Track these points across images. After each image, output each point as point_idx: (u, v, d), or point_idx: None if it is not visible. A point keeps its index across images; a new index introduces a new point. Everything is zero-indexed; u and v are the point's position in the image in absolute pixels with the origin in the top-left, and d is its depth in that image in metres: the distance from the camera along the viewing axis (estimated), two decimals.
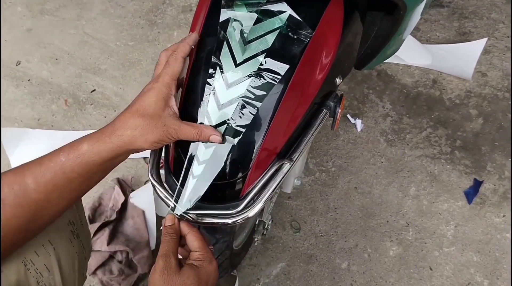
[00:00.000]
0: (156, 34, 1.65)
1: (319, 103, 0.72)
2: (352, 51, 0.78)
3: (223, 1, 0.65)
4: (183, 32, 1.65)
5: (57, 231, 0.67)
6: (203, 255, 0.61)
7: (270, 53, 0.62)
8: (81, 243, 0.74)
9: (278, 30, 0.62)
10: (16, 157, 1.37)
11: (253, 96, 0.61)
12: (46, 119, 1.48)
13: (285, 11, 0.63)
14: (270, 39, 0.62)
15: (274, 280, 1.22)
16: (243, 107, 0.61)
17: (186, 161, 0.63)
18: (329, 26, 0.65)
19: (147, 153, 1.30)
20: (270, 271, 1.23)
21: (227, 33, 0.63)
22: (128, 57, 1.60)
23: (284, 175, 0.65)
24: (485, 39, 1.57)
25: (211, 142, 0.60)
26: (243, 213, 0.63)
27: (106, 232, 1.17)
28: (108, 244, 1.16)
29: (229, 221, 0.63)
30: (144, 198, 1.26)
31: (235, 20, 0.64)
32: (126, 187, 1.30)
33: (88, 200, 1.29)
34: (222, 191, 0.66)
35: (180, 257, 0.63)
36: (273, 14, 0.63)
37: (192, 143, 0.63)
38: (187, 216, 0.64)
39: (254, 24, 0.63)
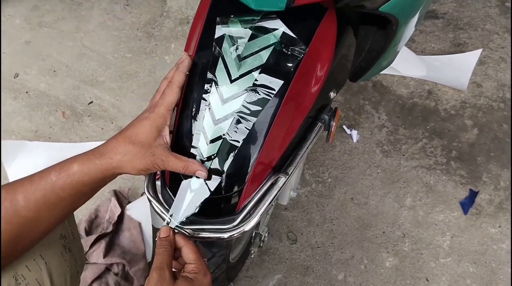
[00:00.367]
0: (153, 46, 1.67)
1: (314, 117, 0.73)
2: (346, 65, 0.79)
3: (218, 18, 0.66)
4: (180, 44, 1.66)
5: (49, 246, 0.67)
6: (197, 267, 0.61)
7: (264, 69, 0.62)
8: (73, 257, 0.74)
9: (273, 47, 0.63)
10: (13, 170, 1.37)
11: (248, 111, 0.62)
12: (44, 131, 1.48)
13: (278, 28, 0.64)
14: (265, 55, 0.63)
15: None
16: (238, 122, 0.62)
17: (185, 175, 0.64)
18: (323, 42, 0.66)
19: None
20: (267, 283, 1.23)
21: (222, 49, 0.64)
22: (125, 69, 1.61)
23: (280, 189, 0.66)
24: (480, 50, 1.59)
25: (197, 177, 0.62)
26: (239, 227, 0.63)
27: (102, 244, 1.17)
28: (105, 256, 1.16)
29: (225, 235, 0.64)
30: (140, 210, 1.26)
31: (230, 36, 0.65)
32: (122, 199, 1.30)
33: (84, 212, 1.29)
34: (218, 205, 0.66)
35: (174, 270, 0.63)
36: (267, 31, 0.64)
37: (189, 156, 0.63)
38: (183, 231, 0.64)
39: (248, 41, 0.64)
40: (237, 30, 0.65)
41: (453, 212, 1.31)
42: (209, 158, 0.63)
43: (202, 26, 0.67)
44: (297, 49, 0.64)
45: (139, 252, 1.21)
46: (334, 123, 0.73)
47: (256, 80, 0.62)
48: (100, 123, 1.50)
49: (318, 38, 0.65)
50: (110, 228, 1.21)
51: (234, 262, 1.05)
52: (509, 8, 1.74)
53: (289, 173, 0.66)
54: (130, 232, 1.23)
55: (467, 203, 1.31)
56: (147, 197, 0.67)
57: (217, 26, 0.66)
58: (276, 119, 0.62)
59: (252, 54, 0.63)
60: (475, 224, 1.29)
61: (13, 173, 1.36)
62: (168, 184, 0.69)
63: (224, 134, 0.62)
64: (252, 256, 1.20)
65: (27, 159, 1.38)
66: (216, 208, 0.66)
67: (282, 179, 0.66)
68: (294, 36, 0.64)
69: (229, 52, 0.64)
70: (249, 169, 0.63)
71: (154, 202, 0.66)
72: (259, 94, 0.62)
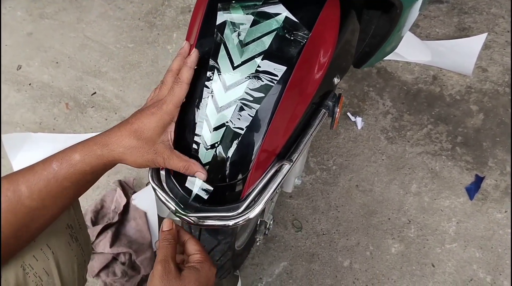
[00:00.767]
0: (155, 36, 1.66)
1: (318, 103, 0.72)
2: (350, 50, 0.78)
3: (219, 4, 0.65)
4: (182, 33, 1.65)
5: (55, 235, 0.68)
6: (203, 257, 0.61)
7: (267, 55, 0.62)
8: (80, 246, 0.75)
9: (275, 32, 0.63)
10: (18, 161, 1.37)
11: (251, 98, 0.61)
12: (48, 122, 1.48)
13: (281, 13, 0.63)
14: (267, 41, 0.62)
15: (276, 279, 1.22)
16: (241, 109, 0.61)
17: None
18: (326, 26, 0.65)
19: None
20: (272, 271, 1.23)
21: (224, 35, 0.63)
22: (128, 59, 1.61)
23: (284, 176, 0.65)
24: (485, 34, 1.57)
25: (195, 177, 0.63)
26: (244, 215, 0.63)
27: (108, 234, 1.18)
28: (111, 246, 1.17)
29: (230, 223, 0.64)
30: (146, 200, 1.27)
31: (231, 22, 0.64)
32: (128, 189, 1.30)
33: (90, 203, 1.29)
34: (222, 193, 0.66)
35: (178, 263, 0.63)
36: (269, 16, 0.63)
37: (192, 146, 0.63)
38: (188, 219, 0.64)
39: (250, 27, 0.63)
40: (238, 16, 0.64)
41: (459, 197, 1.31)
42: (213, 146, 0.62)
43: (204, 12, 0.66)
44: (300, 34, 0.63)
45: (145, 241, 1.22)
46: (338, 110, 0.73)
47: (258, 66, 0.62)
48: (104, 114, 1.50)
49: (321, 22, 0.64)
50: (116, 218, 1.22)
51: (239, 250, 1.06)
52: None
53: (293, 160, 0.66)
54: (136, 221, 1.24)
55: (473, 189, 1.31)
56: (152, 186, 0.67)
57: (218, 13, 0.65)
58: (280, 106, 0.62)
59: (254, 40, 0.62)
60: (481, 210, 1.29)
61: (18, 165, 1.37)
62: (173, 172, 0.69)
63: (227, 122, 0.62)
64: (258, 244, 1.21)
65: (32, 151, 1.39)
66: (220, 195, 0.66)
67: (286, 166, 0.65)
68: (296, 21, 0.63)
69: (231, 39, 0.63)
70: (253, 156, 0.63)
71: (159, 190, 0.66)
72: (262, 81, 0.61)
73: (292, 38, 0.63)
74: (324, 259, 1.25)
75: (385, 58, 1.50)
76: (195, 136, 0.63)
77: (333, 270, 1.23)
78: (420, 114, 1.45)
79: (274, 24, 0.63)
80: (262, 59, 0.62)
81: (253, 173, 0.64)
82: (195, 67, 0.63)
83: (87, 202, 1.32)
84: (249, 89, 0.61)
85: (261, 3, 0.64)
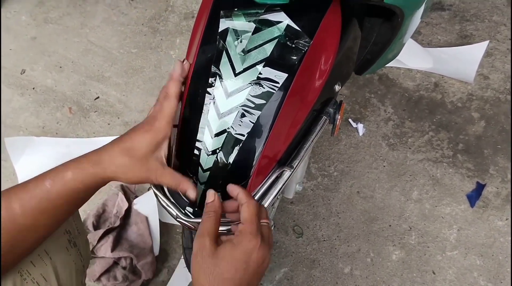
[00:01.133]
0: (159, 41, 1.67)
1: (319, 110, 0.73)
2: (351, 58, 0.79)
3: (222, 12, 0.66)
4: (185, 39, 1.66)
5: (53, 241, 0.68)
6: (245, 229, 0.55)
7: (269, 62, 0.62)
8: (78, 252, 0.75)
9: (277, 40, 0.63)
10: (21, 165, 1.38)
11: (252, 105, 0.62)
12: (51, 127, 1.49)
13: (283, 21, 0.64)
14: (269, 48, 0.63)
15: (277, 285, 1.22)
16: (242, 115, 0.62)
17: (191, 169, 0.65)
18: (327, 34, 0.65)
19: None
20: (273, 276, 1.23)
21: (226, 42, 0.64)
22: (131, 65, 1.62)
23: (285, 182, 0.66)
24: (486, 42, 1.57)
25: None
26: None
27: (110, 239, 1.18)
28: (112, 250, 1.17)
29: (232, 228, 0.64)
30: (147, 205, 1.27)
31: (234, 30, 0.64)
32: (129, 194, 1.31)
33: (92, 207, 1.30)
34: (223, 198, 0.66)
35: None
36: (271, 23, 0.64)
37: (194, 152, 0.64)
38: (189, 224, 0.64)
39: (252, 34, 0.64)
40: (241, 23, 0.65)
41: (460, 205, 1.31)
42: (214, 152, 0.63)
43: (206, 19, 0.67)
44: (301, 42, 0.63)
45: (146, 246, 1.22)
46: (339, 117, 0.73)
47: (260, 73, 0.62)
48: (107, 119, 1.51)
49: (323, 30, 0.65)
50: (118, 223, 1.22)
51: None
52: None
53: (294, 166, 0.66)
54: (138, 226, 1.24)
55: (474, 196, 1.31)
56: (153, 191, 0.67)
57: (221, 20, 0.66)
58: (281, 113, 0.62)
59: (256, 47, 0.63)
60: (482, 217, 1.29)
61: (20, 169, 1.38)
62: None
63: (228, 128, 0.62)
64: None
65: (35, 155, 1.40)
66: (222, 201, 0.66)
67: (287, 172, 0.66)
68: (298, 28, 0.64)
69: (233, 46, 0.64)
70: (254, 162, 0.63)
71: (160, 196, 0.67)
72: (264, 88, 0.62)
73: (293, 45, 0.63)
74: (324, 265, 1.25)
75: (386, 65, 1.51)
76: (196, 142, 0.64)
77: (334, 277, 1.23)
78: (422, 121, 1.45)
79: (276, 31, 0.64)
80: (263, 66, 0.62)
81: (254, 179, 0.64)
82: (182, 79, 0.63)
83: (89, 206, 1.32)
84: (251, 95, 0.62)
85: (263, 10, 0.65)
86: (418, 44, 1.58)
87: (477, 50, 1.57)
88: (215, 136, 0.63)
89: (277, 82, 0.62)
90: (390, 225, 1.29)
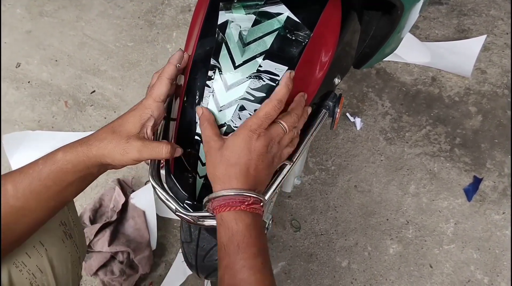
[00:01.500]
0: (155, 35, 1.66)
1: (318, 103, 0.72)
2: (350, 51, 0.78)
3: (221, 4, 0.65)
4: (182, 32, 1.65)
5: (49, 232, 0.68)
6: (246, 121, 0.58)
7: (268, 54, 0.62)
8: (74, 243, 0.74)
9: (277, 32, 0.63)
10: (16, 160, 1.37)
11: (252, 98, 0.62)
12: (47, 120, 1.48)
13: (283, 13, 0.63)
14: (269, 40, 0.63)
15: (275, 279, 1.22)
16: (242, 109, 0.62)
17: (190, 163, 0.64)
18: (327, 27, 0.65)
19: None
20: None
21: (225, 35, 0.64)
22: (127, 58, 1.61)
23: (284, 176, 0.65)
24: (484, 36, 1.57)
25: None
26: None
27: (107, 233, 1.18)
28: (109, 245, 1.17)
29: None
30: (144, 199, 1.27)
31: (233, 22, 0.64)
32: (126, 188, 1.30)
33: (89, 201, 1.29)
34: None
35: None
36: (271, 16, 0.63)
37: (193, 145, 0.63)
38: (188, 218, 0.64)
39: (252, 26, 0.63)
40: (240, 15, 0.64)
41: (457, 199, 1.31)
42: None
43: (205, 12, 0.66)
44: (301, 34, 0.63)
45: (143, 240, 1.22)
46: (338, 110, 0.73)
47: (260, 66, 0.62)
48: (103, 112, 1.50)
49: (323, 23, 0.64)
50: (115, 217, 1.22)
51: None
52: None
53: (293, 160, 0.66)
54: (135, 220, 1.24)
55: (471, 190, 1.31)
56: (152, 184, 0.67)
57: (220, 12, 0.65)
58: None
59: (255, 40, 0.63)
60: (479, 211, 1.29)
61: (16, 163, 1.37)
62: (173, 171, 0.69)
63: (228, 121, 0.62)
64: None
65: (30, 149, 1.39)
66: None
67: (286, 166, 0.65)
68: (298, 21, 0.63)
69: (233, 38, 0.63)
70: None
71: (159, 189, 0.66)
72: (263, 81, 0.62)
73: (293, 38, 0.63)
74: (322, 259, 1.25)
75: (384, 59, 1.50)
76: (195, 135, 0.63)
77: (331, 270, 1.23)
78: (419, 115, 1.45)
79: (275, 24, 0.63)
80: (263, 59, 0.62)
81: None
82: (178, 65, 0.63)
83: (86, 200, 1.32)
84: (250, 88, 0.62)
85: (262, 2, 0.64)
86: (416, 38, 1.58)
87: (474, 45, 1.57)
88: None
89: (277, 75, 0.62)
90: (387, 219, 1.29)
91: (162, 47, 1.63)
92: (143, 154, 0.59)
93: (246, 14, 0.64)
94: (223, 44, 0.63)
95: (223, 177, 0.57)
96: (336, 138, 1.42)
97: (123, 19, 1.69)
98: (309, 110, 0.65)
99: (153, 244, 1.24)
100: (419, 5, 0.80)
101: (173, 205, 0.65)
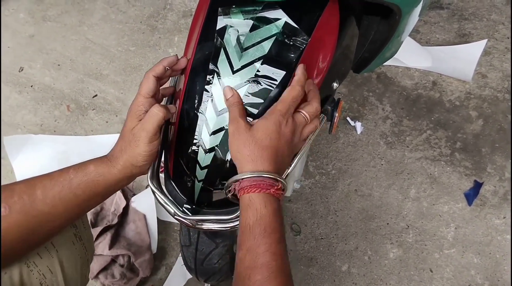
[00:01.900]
0: (157, 39, 1.67)
1: None
2: (349, 55, 0.79)
3: (219, 9, 0.66)
4: (183, 37, 1.66)
5: (60, 234, 0.69)
6: (275, 106, 0.59)
7: (266, 59, 0.62)
8: (83, 246, 0.76)
9: (275, 37, 0.63)
10: (18, 163, 1.38)
11: (250, 102, 0.62)
12: (49, 124, 1.49)
13: (281, 18, 0.64)
14: (267, 45, 0.63)
15: None
16: None
17: (189, 167, 0.65)
18: (325, 32, 0.65)
19: None
20: None
21: (224, 40, 0.64)
22: (129, 62, 1.62)
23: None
24: (485, 41, 1.58)
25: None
26: None
27: (108, 236, 1.18)
28: (110, 248, 1.17)
29: (229, 226, 0.64)
30: (145, 202, 1.27)
31: (231, 27, 0.64)
32: (127, 192, 1.31)
33: None
34: (221, 196, 0.66)
35: None
36: (269, 21, 0.64)
37: (192, 149, 0.64)
38: (187, 222, 0.64)
39: (250, 31, 0.64)
40: (238, 21, 0.65)
41: (458, 203, 1.31)
42: (212, 149, 0.63)
43: (204, 17, 0.67)
44: (299, 39, 0.63)
45: (144, 243, 1.22)
46: (337, 114, 0.73)
47: (258, 71, 0.62)
48: (105, 117, 1.50)
49: (321, 28, 0.65)
50: (116, 220, 1.22)
51: None
52: None
53: (292, 165, 0.66)
54: (135, 224, 1.24)
55: (472, 194, 1.31)
56: (151, 189, 0.67)
57: (218, 17, 0.66)
58: None
59: (254, 45, 0.63)
60: (480, 215, 1.29)
61: (18, 167, 1.38)
62: (172, 175, 0.69)
63: (226, 125, 0.62)
64: None
65: (32, 152, 1.40)
66: (219, 199, 0.67)
67: (285, 171, 0.66)
68: (296, 26, 0.64)
69: (231, 43, 0.64)
70: None
71: (158, 193, 0.67)
72: (261, 85, 0.62)
73: (291, 43, 0.63)
74: (322, 263, 1.25)
75: (385, 64, 1.50)
76: (194, 139, 0.64)
77: (331, 275, 1.23)
78: (420, 119, 1.46)
79: (273, 29, 0.64)
80: (261, 64, 0.62)
81: None
82: (167, 67, 0.65)
83: None
84: (249, 93, 0.62)
85: (260, 8, 0.65)
86: (417, 42, 1.58)
87: (475, 49, 1.57)
88: (212, 134, 0.63)
89: (275, 80, 0.62)
90: (387, 223, 1.29)
91: (164, 51, 1.64)
92: (146, 127, 0.61)
93: (244, 19, 0.65)
94: (222, 49, 0.64)
95: (255, 158, 0.56)
96: (336, 142, 1.43)
97: (125, 23, 1.70)
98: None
99: (154, 248, 1.25)
100: (418, 9, 0.81)
101: (172, 208, 0.65)
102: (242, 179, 0.56)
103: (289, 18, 0.64)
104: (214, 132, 0.63)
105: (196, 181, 0.65)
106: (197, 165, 0.65)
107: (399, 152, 1.40)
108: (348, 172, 1.38)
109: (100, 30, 1.69)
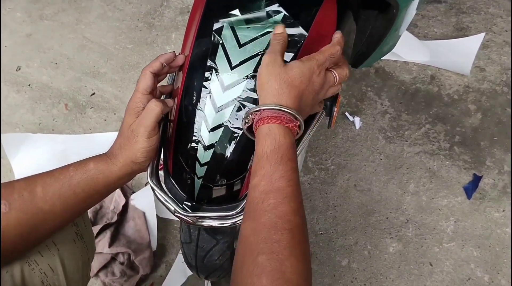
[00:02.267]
0: (154, 37, 1.66)
1: None
2: (346, 50, 0.79)
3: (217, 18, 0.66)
4: (181, 34, 1.66)
5: (62, 232, 0.69)
6: (314, 54, 0.60)
7: None
8: (85, 244, 0.76)
9: (272, 32, 0.63)
10: (17, 162, 1.38)
11: (249, 98, 0.62)
12: (47, 123, 1.49)
13: (278, 13, 0.64)
14: (265, 41, 0.63)
15: None
16: (239, 109, 0.62)
17: (188, 164, 0.65)
18: (323, 26, 0.65)
19: None
20: None
21: (222, 36, 0.64)
22: (127, 60, 1.61)
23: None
24: (483, 34, 1.58)
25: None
26: (242, 214, 0.63)
27: (107, 234, 1.18)
28: (110, 246, 1.17)
29: (229, 222, 0.64)
30: (145, 200, 1.27)
31: (229, 23, 0.64)
32: (127, 189, 1.31)
33: None
34: (220, 192, 0.66)
35: None
36: (267, 16, 0.64)
37: (191, 146, 0.64)
38: (187, 219, 0.64)
39: (248, 27, 0.64)
40: (236, 17, 0.64)
41: (457, 197, 1.31)
42: (211, 146, 0.63)
43: (201, 13, 0.67)
44: (297, 34, 0.63)
45: (144, 241, 1.22)
46: (335, 109, 0.73)
47: (256, 66, 0.62)
48: (103, 115, 1.50)
49: (318, 23, 0.65)
50: (115, 218, 1.22)
51: None
52: None
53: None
54: (135, 221, 1.24)
55: (471, 188, 1.31)
56: (151, 186, 0.67)
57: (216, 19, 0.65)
58: None
59: (252, 40, 0.63)
60: (479, 209, 1.29)
61: (17, 165, 1.37)
62: (171, 173, 0.69)
63: (225, 122, 0.62)
64: None
65: (31, 151, 1.39)
66: (219, 195, 0.67)
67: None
68: (294, 20, 0.64)
69: (229, 39, 0.64)
70: (251, 156, 0.63)
71: (157, 190, 0.67)
72: None
73: (289, 38, 0.63)
74: (322, 258, 1.25)
75: (383, 58, 1.51)
76: (193, 136, 0.64)
77: (331, 269, 1.24)
78: (418, 113, 1.46)
79: (271, 24, 0.63)
80: (260, 60, 0.62)
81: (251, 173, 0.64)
82: (164, 63, 0.65)
83: None
84: (247, 89, 0.62)
85: (259, 3, 0.64)
86: (415, 37, 1.58)
87: (473, 42, 1.57)
88: (211, 130, 0.63)
89: None
90: (387, 218, 1.30)
91: (162, 48, 1.63)
92: (144, 122, 0.61)
93: (242, 15, 0.64)
94: (220, 45, 0.64)
95: (282, 93, 0.57)
96: (335, 137, 1.43)
97: (122, 21, 1.70)
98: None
99: (154, 245, 1.25)
100: (415, 3, 0.80)
101: (172, 206, 0.65)
102: (264, 109, 0.56)
103: (286, 13, 0.64)
104: (213, 129, 0.62)
105: (196, 178, 0.65)
106: (197, 162, 0.65)
107: (398, 147, 1.40)
108: (347, 167, 1.38)
109: (97, 28, 1.69)
